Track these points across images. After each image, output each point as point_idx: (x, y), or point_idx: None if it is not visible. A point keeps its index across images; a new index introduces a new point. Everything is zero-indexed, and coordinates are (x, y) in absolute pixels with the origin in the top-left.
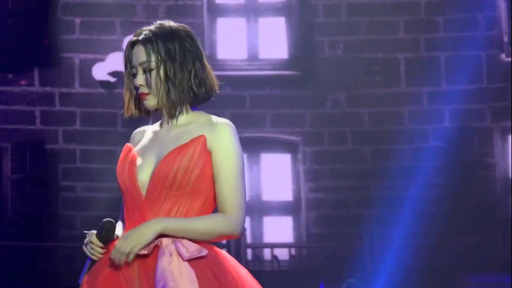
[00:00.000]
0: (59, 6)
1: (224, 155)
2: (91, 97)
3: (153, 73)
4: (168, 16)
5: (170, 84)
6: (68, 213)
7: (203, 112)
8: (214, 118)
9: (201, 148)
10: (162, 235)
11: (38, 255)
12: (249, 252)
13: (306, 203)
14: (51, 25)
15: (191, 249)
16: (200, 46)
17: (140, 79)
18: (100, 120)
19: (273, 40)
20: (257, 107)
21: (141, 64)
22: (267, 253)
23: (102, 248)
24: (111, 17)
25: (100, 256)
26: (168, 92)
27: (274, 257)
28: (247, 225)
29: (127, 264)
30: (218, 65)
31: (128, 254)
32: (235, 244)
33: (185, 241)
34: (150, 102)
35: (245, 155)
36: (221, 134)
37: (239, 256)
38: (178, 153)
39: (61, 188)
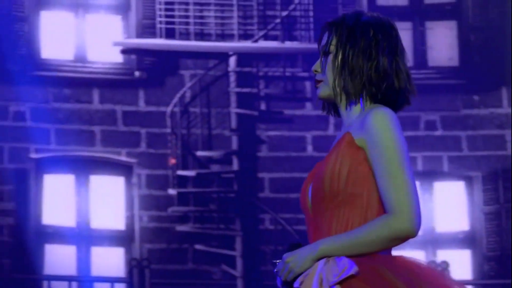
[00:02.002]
0: None
1: (374, 147)
2: None
3: (330, 57)
4: None
5: (346, 71)
6: None
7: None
8: (374, 109)
9: (345, 146)
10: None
11: None
12: None
13: None
14: None
15: (336, 270)
16: (399, 43)
17: (316, 64)
18: None
19: None
20: None
21: (322, 47)
22: None
23: None
24: None
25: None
26: (343, 80)
27: None
28: None
29: None
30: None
31: (288, 272)
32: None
33: (333, 262)
34: (321, 90)
35: None
36: (368, 125)
37: None
38: (327, 160)
39: None
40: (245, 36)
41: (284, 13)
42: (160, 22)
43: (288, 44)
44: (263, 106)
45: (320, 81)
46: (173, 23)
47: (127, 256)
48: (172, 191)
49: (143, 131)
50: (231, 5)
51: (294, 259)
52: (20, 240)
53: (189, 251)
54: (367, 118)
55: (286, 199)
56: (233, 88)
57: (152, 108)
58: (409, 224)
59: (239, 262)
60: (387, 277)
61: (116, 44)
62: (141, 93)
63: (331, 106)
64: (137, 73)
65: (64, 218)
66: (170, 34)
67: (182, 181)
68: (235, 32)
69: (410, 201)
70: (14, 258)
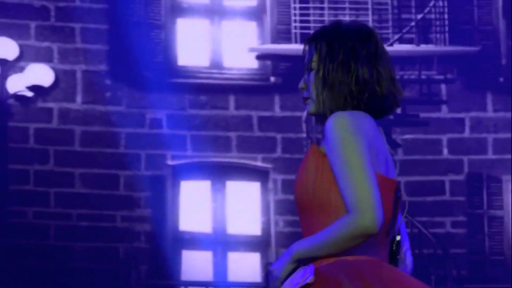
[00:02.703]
0: None
1: (330, 151)
2: None
3: (313, 73)
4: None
5: (327, 87)
6: None
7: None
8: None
9: (311, 156)
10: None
11: None
12: None
13: None
14: None
15: (298, 279)
16: (379, 49)
17: (301, 81)
18: None
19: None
20: None
21: (305, 64)
22: None
23: None
24: None
25: None
26: (325, 96)
27: None
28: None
29: None
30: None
31: (275, 280)
32: None
33: (302, 270)
34: (310, 107)
35: None
36: (325, 132)
37: None
38: (298, 172)
39: None
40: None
41: (419, 16)
42: (295, 28)
43: (423, 47)
44: (398, 110)
45: (307, 98)
46: (308, 28)
47: (263, 261)
48: None
49: (278, 136)
50: (366, 9)
51: (276, 267)
52: (157, 246)
53: None
54: (325, 125)
55: (422, 202)
56: None
57: (287, 113)
58: (368, 221)
59: None
60: (341, 283)
61: (251, 50)
62: (277, 99)
63: (322, 120)
64: (272, 79)
65: (200, 224)
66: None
67: None
68: None
69: (368, 199)
70: (151, 264)
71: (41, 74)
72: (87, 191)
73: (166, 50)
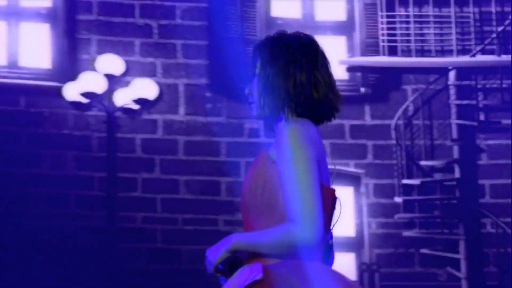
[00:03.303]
0: None
1: (280, 159)
2: None
3: (256, 79)
4: None
5: (268, 90)
6: None
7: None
8: (284, 124)
9: (260, 161)
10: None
11: None
12: None
13: None
14: None
15: (247, 275)
16: (319, 58)
17: (247, 87)
18: None
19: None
20: None
21: (251, 70)
22: None
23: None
24: None
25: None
26: (266, 99)
27: None
28: None
29: None
30: None
31: (209, 265)
32: None
33: (248, 267)
34: (254, 111)
35: None
36: (277, 140)
37: None
38: (247, 175)
39: None
40: (463, 51)
41: (500, 28)
42: (383, 41)
43: (504, 58)
44: (482, 117)
45: (252, 103)
46: (395, 41)
47: (357, 260)
48: (398, 199)
49: (369, 143)
50: (450, 22)
51: (211, 252)
52: None
53: (416, 255)
54: (277, 133)
55: (506, 204)
56: (453, 100)
57: (377, 122)
58: (309, 234)
59: (463, 264)
60: (291, 282)
61: (342, 62)
62: (367, 108)
63: (268, 123)
64: (362, 89)
65: None
66: (392, 51)
67: (407, 190)
68: (454, 47)
69: (311, 213)
70: None
71: (146, 88)
72: (191, 197)
73: None
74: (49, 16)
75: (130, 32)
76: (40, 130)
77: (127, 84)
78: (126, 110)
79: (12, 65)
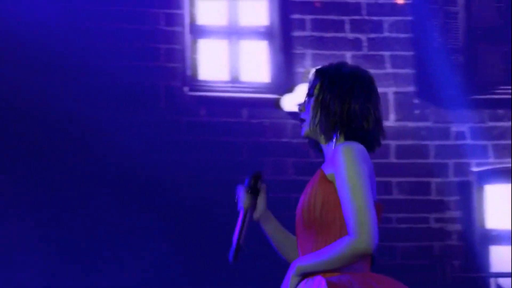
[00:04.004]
0: None
1: (338, 178)
2: None
3: (313, 99)
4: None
5: (323, 112)
6: None
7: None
8: (341, 144)
9: (318, 180)
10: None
11: None
12: None
13: None
14: None
15: None
16: (373, 93)
17: (301, 103)
18: None
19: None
20: None
21: (308, 89)
22: None
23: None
24: None
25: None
26: (319, 120)
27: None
28: None
29: None
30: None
31: None
32: None
33: (311, 281)
34: (304, 130)
35: None
36: (335, 159)
37: None
38: (305, 193)
39: None
40: None
41: None
42: None
43: None
44: None
45: (303, 121)
46: None
47: None
48: None
49: None
50: None
51: (284, 285)
52: (467, 243)
53: None
54: (335, 152)
55: None
56: None
57: None
58: (367, 244)
59: None
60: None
61: None
62: None
63: (314, 143)
64: None
65: (503, 222)
66: None
67: None
68: None
69: (368, 225)
70: (462, 259)
71: None
72: (403, 197)
73: (466, 72)
74: (266, 33)
75: (341, 45)
76: (261, 139)
77: None
78: None
79: (234, 80)
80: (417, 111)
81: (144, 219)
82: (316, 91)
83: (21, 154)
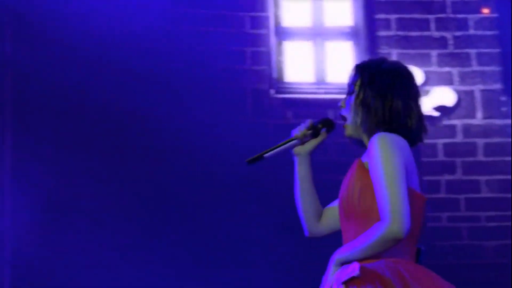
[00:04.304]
0: None
1: (372, 166)
2: None
3: (354, 95)
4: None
5: (365, 109)
6: None
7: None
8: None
9: (356, 170)
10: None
11: None
12: None
13: None
14: None
15: (345, 273)
16: (413, 89)
17: (342, 100)
18: None
19: None
20: None
21: (348, 86)
22: None
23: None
24: None
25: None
26: (361, 118)
27: None
28: None
29: None
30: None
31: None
32: None
33: (345, 267)
34: (347, 130)
35: None
36: (369, 148)
37: None
38: (344, 183)
39: None
40: None
41: None
42: None
43: None
44: None
45: (345, 119)
46: None
47: None
48: None
49: None
50: None
51: (328, 276)
52: None
53: None
54: (370, 142)
55: None
56: None
57: None
58: (397, 228)
59: None
60: (385, 279)
61: None
62: None
63: (358, 142)
64: None
65: None
66: None
67: None
68: None
69: (399, 209)
70: None
71: (444, 95)
72: (492, 195)
73: None
74: (351, 34)
75: (427, 44)
76: (346, 140)
77: (426, 93)
78: (427, 117)
79: (320, 81)
80: (504, 109)
81: (239, 224)
82: (356, 88)
83: (134, 157)
